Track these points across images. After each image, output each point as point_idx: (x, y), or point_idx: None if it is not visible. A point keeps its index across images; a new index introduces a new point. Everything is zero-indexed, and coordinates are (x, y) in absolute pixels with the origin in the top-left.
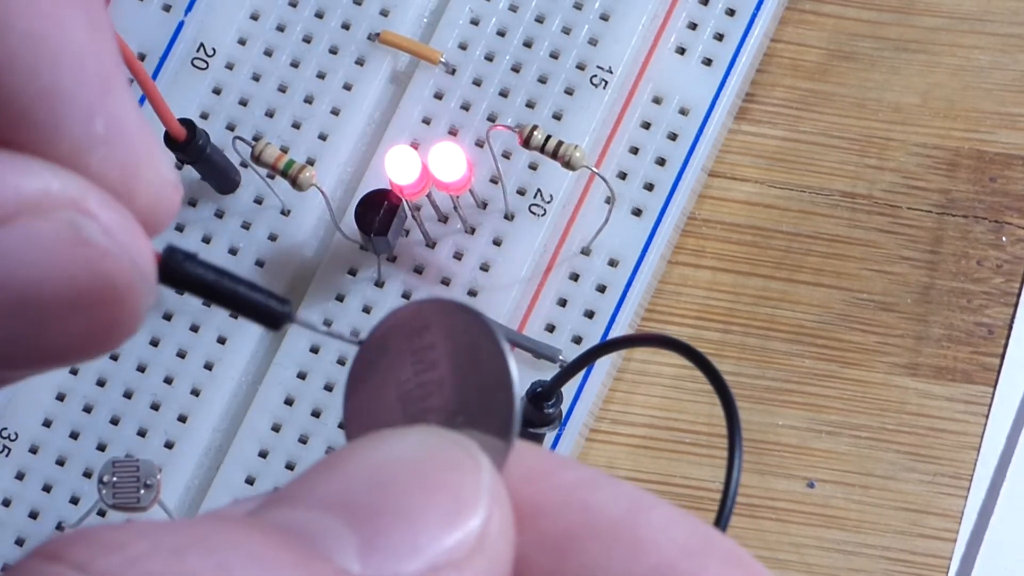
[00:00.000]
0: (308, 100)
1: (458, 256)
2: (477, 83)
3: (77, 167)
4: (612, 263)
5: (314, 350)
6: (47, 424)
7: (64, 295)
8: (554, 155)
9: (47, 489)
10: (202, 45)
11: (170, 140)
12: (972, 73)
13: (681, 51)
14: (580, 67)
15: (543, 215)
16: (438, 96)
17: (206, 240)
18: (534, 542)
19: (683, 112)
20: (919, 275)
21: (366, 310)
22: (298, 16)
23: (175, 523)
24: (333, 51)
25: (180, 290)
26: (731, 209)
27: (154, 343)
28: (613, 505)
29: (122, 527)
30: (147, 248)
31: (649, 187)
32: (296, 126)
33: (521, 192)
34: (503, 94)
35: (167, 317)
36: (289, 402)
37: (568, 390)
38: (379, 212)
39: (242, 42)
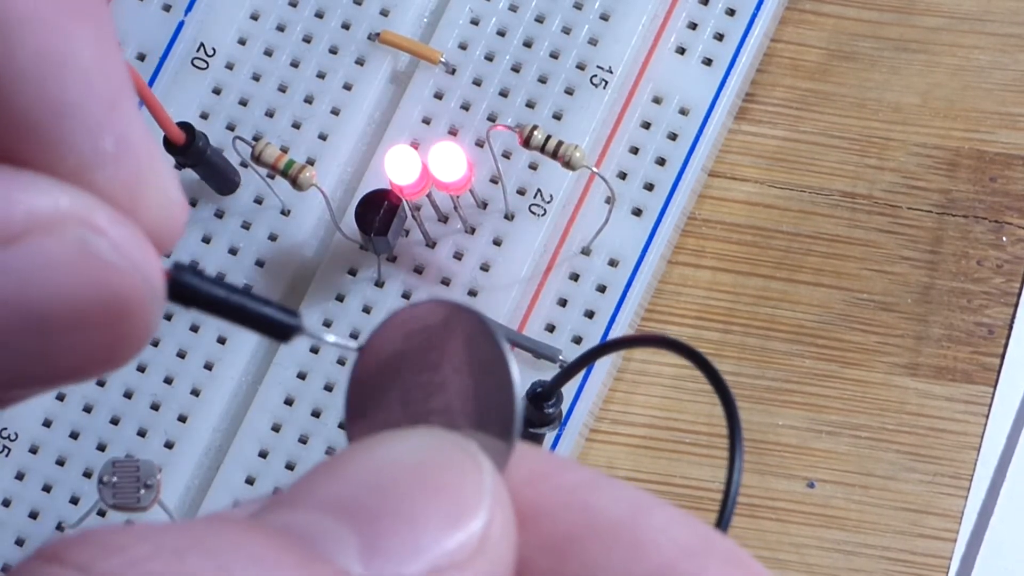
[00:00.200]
0: (308, 100)
1: (458, 256)
2: (477, 83)
3: (83, 184)
4: (612, 263)
5: (314, 350)
6: (47, 424)
7: (75, 313)
8: (554, 155)
9: (47, 489)
10: (202, 45)
11: (169, 144)
12: (972, 73)
13: (681, 51)
14: (580, 67)
15: (543, 215)
16: (438, 96)
17: (206, 240)
18: (535, 543)
19: (683, 112)
20: (919, 275)
21: (366, 310)
22: (298, 16)
23: (176, 525)
24: (333, 51)
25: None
26: (731, 209)
27: (154, 343)
28: (613, 506)
29: (123, 529)
30: (157, 264)
31: (649, 187)
32: (296, 126)
33: (521, 192)
34: (503, 94)
35: (167, 317)
36: (289, 402)
37: (568, 390)
38: (379, 212)
39: (242, 42)
